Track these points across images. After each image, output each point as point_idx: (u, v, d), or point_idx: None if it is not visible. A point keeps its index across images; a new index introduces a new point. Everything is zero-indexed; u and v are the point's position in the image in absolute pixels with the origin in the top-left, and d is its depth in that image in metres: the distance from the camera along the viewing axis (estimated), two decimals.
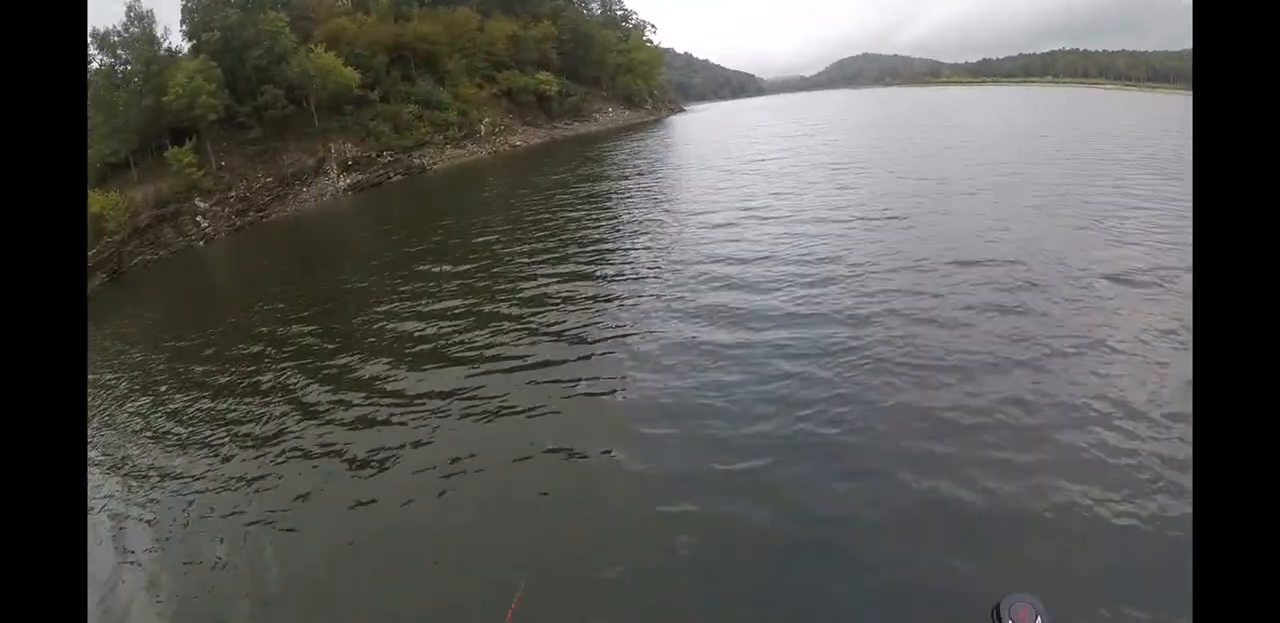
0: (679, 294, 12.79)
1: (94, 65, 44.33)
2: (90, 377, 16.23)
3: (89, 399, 14.27)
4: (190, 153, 40.90)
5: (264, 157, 44.10)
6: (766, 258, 14.27)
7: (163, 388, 14.54)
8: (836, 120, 53.33)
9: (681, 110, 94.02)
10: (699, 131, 55.44)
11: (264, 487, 9.14)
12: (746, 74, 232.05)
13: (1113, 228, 14.38)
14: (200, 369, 15.00)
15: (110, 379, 16.00)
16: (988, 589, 2.46)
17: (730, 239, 16.30)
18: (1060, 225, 14.91)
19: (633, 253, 16.46)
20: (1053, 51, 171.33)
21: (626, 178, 29.57)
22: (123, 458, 11.71)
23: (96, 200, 38.37)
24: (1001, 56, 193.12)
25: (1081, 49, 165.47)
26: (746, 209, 19.30)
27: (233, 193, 41.31)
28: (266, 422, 11.29)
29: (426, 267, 18.63)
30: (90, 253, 37.96)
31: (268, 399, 12.38)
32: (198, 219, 39.60)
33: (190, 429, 12.01)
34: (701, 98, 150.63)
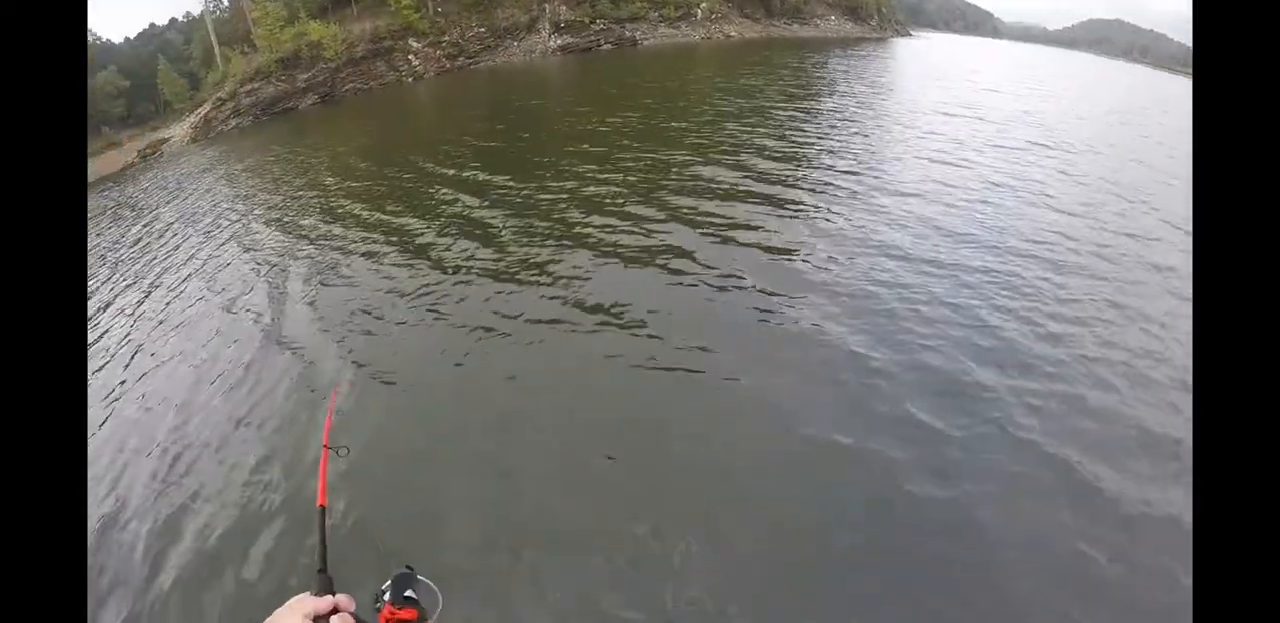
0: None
1: None
2: (273, 183, 16.69)
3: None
4: None
5: (480, 7, 43.32)
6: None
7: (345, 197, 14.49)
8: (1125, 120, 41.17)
9: (907, 34, 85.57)
10: (925, 69, 43.85)
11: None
12: (984, 11, 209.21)
13: None
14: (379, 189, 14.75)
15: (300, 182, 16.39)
16: None
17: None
18: None
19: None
20: None
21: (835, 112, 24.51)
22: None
23: (316, 30, 39.66)
24: None
25: None
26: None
27: (446, 37, 41.15)
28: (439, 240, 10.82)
29: (616, 139, 16.74)
30: (305, 76, 39.41)
31: (441, 219, 11.91)
32: (409, 57, 39.84)
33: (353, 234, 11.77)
34: (931, 25, 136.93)
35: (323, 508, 1.78)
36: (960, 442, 5.19)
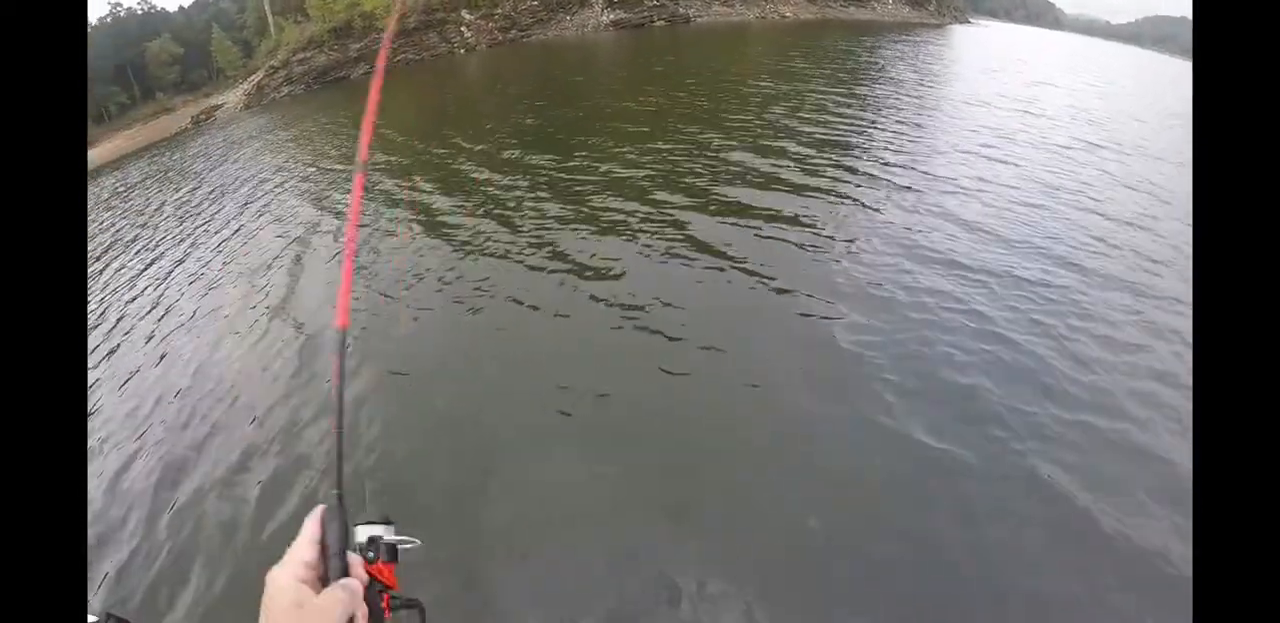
0: None
1: None
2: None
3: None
4: None
5: None
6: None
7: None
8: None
9: (966, 21, 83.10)
10: (980, 59, 38.20)
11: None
12: (1047, 1, 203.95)
13: None
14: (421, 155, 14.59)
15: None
16: None
17: None
18: None
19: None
20: None
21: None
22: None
23: (370, 0, 39.90)
24: None
25: None
26: None
27: (498, 10, 41.04)
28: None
29: (656, 119, 16.42)
30: (357, 46, 39.72)
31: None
32: (462, 29, 39.85)
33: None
34: (990, 14, 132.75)
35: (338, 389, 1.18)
36: (977, 473, 4.69)
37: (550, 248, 8.79)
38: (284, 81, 38.74)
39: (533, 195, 11.07)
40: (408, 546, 1.15)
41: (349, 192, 7.95)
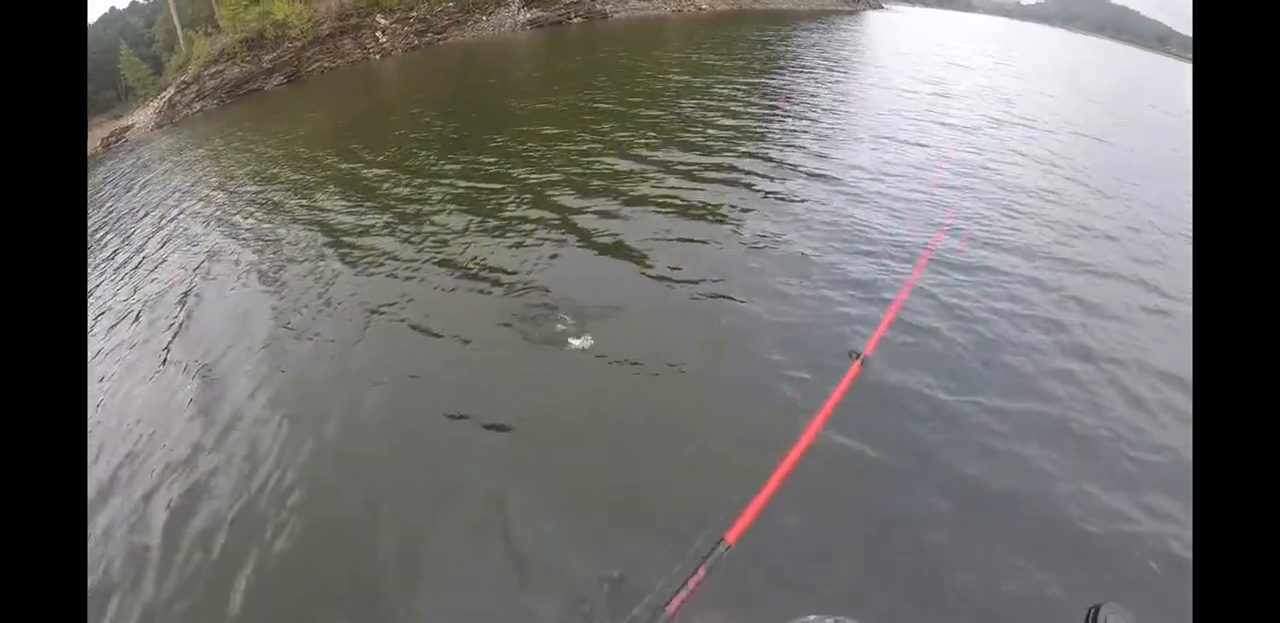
0: None
1: None
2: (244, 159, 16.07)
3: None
4: None
5: None
6: None
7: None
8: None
9: (879, 7, 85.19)
10: (892, 44, 40.58)
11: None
12: None
13: None
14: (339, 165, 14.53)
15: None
16: None
17: None
18: None
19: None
20: None
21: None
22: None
23: (281, 8, 39.13)
24: None
25: None
26: None
27: (414, 13, 40.59)
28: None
29: (568, 119, 16.80)
30: (270, 56, 38.86)
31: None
32: (377, 34, 39.33)
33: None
34: None
35: None
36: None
37: (451, 261, 8.85)
38: (196, 97, 37.66)
39: (439, 208, 11.06)
40: None
41: (251, 215, 7.93)
